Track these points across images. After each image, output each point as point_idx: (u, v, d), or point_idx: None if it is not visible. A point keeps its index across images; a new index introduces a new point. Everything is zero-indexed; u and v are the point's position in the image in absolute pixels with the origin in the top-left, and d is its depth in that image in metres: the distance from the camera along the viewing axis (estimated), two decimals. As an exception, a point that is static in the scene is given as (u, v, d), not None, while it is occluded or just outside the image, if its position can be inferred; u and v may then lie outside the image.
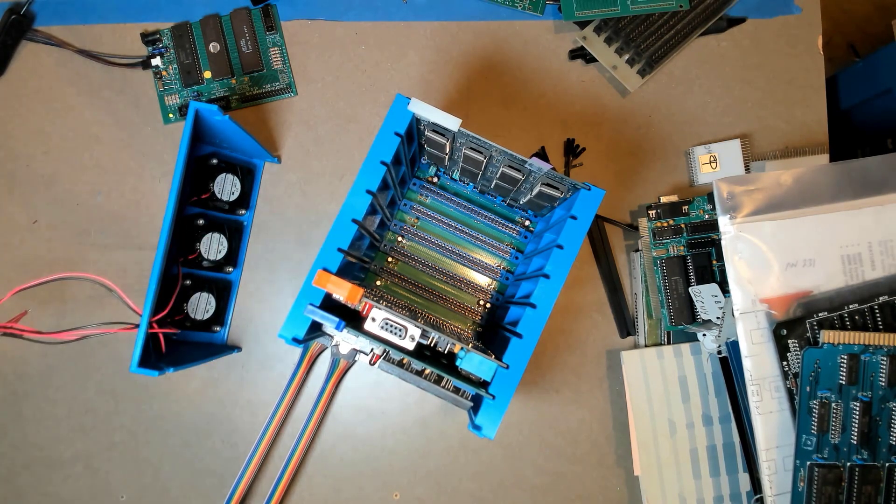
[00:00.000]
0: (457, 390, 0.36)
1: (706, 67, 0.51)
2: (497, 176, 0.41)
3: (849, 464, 0.39)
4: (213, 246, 0.46)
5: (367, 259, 0.45)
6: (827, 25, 0.51)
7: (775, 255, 0.42)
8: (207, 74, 0.49)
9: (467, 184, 0.47)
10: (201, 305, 0.46)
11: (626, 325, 0.48)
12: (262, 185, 0.49)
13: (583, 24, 0.50)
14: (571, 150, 0.50)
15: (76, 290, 0.48)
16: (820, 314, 0.40)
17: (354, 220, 0.36)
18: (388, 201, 0.43)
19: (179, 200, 0.39)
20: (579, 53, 0.50)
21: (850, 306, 0.40)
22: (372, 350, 0.35)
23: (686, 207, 0.47)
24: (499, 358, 0.35)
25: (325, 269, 0.34)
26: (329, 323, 0.33)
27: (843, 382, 0.39)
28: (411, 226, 0.47)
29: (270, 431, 0.46)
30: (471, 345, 0.36)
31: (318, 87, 0.50)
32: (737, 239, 0.42)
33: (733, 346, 0.43)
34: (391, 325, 0.34)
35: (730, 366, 0.45)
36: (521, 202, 0.45)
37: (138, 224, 0.48)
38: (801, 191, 0.42)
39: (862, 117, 0.68)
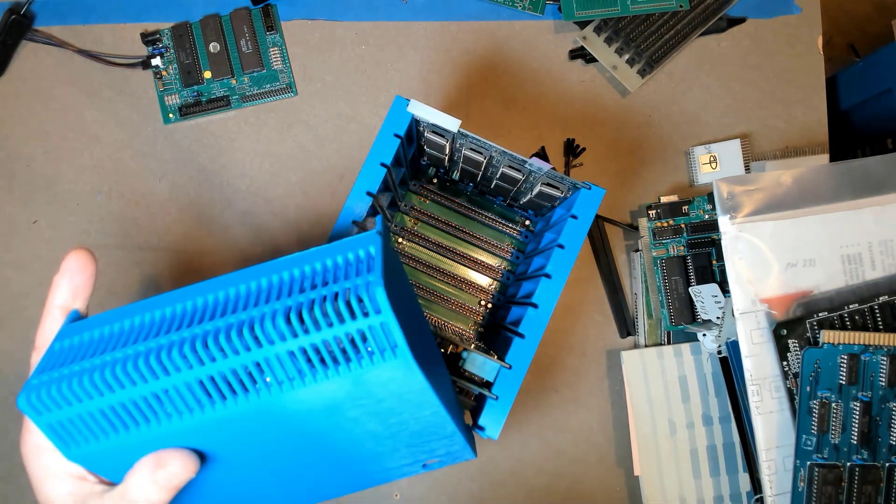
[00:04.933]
0: (460, 391, 0.36)
1: (706, 67, 0.51)
2: (497, 176, 0.41)
3: (849, 464, 0.39)
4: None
5: (367, 259, 0.45)
6: (827, 25, 0.51)
7: (775, 255, 0.42)
8: (207, 74, 0.49)
9: (467, 184, 0.47)
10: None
11: (626, 325, 0.48)
12: (263, 185, 0.49)
13: (583, 24, 0.50)
14: (571, 150, 0.50)
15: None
16: (820, 314, 0.41)
17: (355, 223, 0.36)
18: (389, 203, 0.43)
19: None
20: (579, 53, 0.50)
21: (850, 306, 0.41)
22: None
23: (686, 207, 0.47)
24: (501, 358, 0.35)
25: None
26: None
27: (843, 382, 0.39)
28: (411, 227, 0.47)
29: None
30: (473, 345, 0.36)
31: (318, 87, 0.50)
32: (737, 239, 0.42)
33: (733, 346, 0.43)
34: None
35: (730, 366, 0.45)
36: (522, 202, 0.45)
37: (138, 224, 0.48)
38: (801, 191, 0.42)
39: (862, 117, 0.68)
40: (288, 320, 0.24)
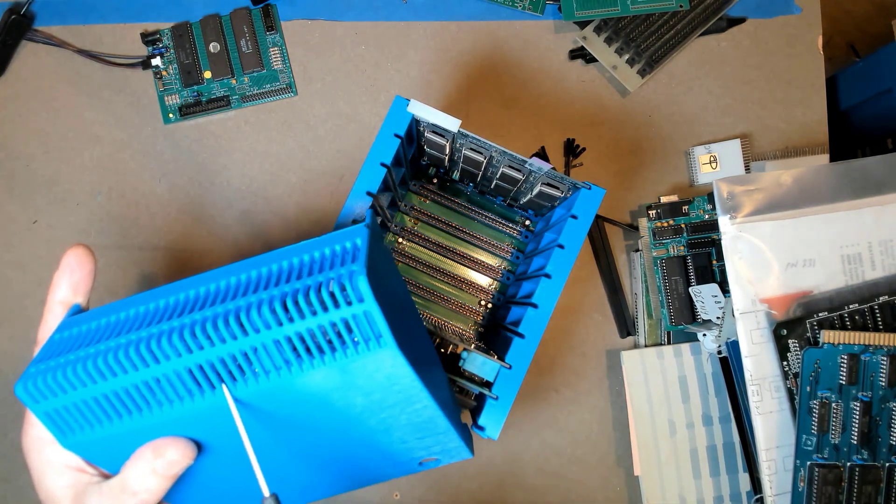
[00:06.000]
0: (460, 391, 0.36)
1: (706, 67, 0.51)
2: (497, 176, 0.41)
3: (849, 464, 0.39)
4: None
5: (367, 259, 0.45)
6: (827, 25, 0.51)
7: (775, 255, 0.42)
8: (207, 74, 0.49)
9: (467, 184, 0.47)
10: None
11: (626, 325, 0.48)
12: (263, 184, 0.49)
13: (583, 24, 0.50)
14: (571, 150, 0.50)
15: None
16: (820, 314, 0.41)
17: (355, 222, 0.36)
18: (389, 203, 0.43)
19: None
20: (579, 53, 0.50)
21: (850, 306, 0.41)
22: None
23: (686, 207, 0.47)
24: (501, 358, 0.35)
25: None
26: None
27: (844, 382, 0.39)
28: (411, 227, 0.47)
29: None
30: (473, 345, 0.36)
31: (318, 87, 0.50)
32: (737, 239, 0.42)
33: (733, 346, 0.43)
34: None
35: (730, 366, 0.45)
36: (522, 202, 0.45)
37: (138, 224, 0.48)
38: (801, 191, 0.42)
39: (862, 117, 0.68)
40: (273, 309, 0.24)
